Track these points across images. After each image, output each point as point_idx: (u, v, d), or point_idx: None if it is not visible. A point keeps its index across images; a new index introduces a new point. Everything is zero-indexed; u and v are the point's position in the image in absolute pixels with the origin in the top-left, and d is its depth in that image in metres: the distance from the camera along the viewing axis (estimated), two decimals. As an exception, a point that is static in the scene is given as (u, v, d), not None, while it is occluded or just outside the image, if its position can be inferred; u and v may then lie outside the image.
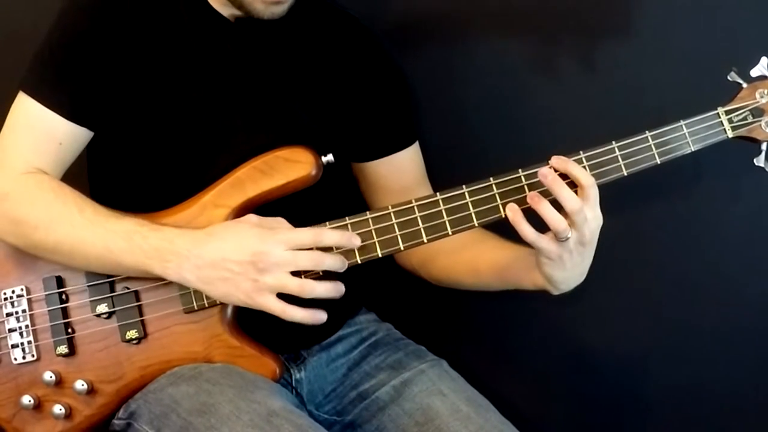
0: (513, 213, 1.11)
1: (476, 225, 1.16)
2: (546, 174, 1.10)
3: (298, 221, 1.18)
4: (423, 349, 1.39)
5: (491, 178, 1.16)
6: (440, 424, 1.23)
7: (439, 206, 1.16)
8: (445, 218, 1.16)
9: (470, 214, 1.15)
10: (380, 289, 1.47)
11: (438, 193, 1.17)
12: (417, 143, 1.42)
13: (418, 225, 1.16)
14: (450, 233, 1.16)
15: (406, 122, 1.42)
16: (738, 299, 1.47)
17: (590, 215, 1.11)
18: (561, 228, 1.10)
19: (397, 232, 1.16)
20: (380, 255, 1.17)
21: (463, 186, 1.16)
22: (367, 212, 1.18)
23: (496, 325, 1.56)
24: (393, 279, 1.45)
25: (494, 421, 1.25)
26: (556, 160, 1.12)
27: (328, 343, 1.37)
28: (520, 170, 1.15)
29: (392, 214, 1.16)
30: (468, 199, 1.15)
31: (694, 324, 1.49)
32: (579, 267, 1.16)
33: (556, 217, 1.10)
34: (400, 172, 1.39)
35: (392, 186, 1.39)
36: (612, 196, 1.41)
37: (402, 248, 1.17)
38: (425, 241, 1.16)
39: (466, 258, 1.31)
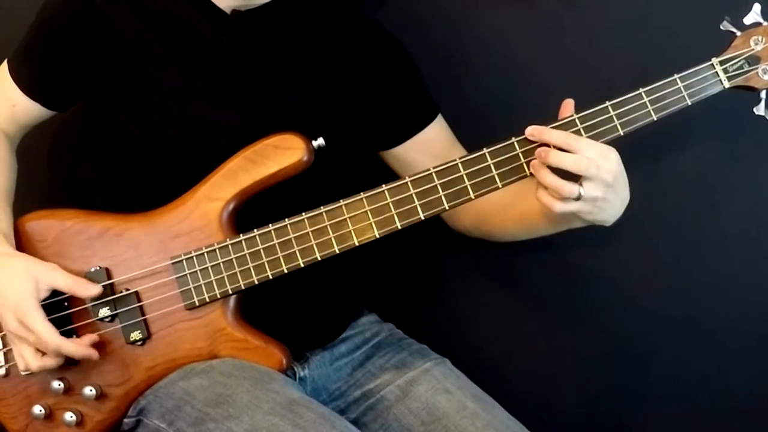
0: (541, 196, 1.11)
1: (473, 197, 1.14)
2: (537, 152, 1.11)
3: (294, 208, 1.17)
4: (426, 348, 1.38)
5: (484, 148, 1.14)
6: (447, 423, 1.23)
7: (434, 180, 1.15)
8: (441, 193, 1.15)
9: (466, 186, 1.14)
10: (380, 289, 1.47)
11: (424, 171, 1.15)
12: (440, 114, 1.39)
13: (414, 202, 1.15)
14: (446, 208, 1.15)
15: (423, 98, 1.39)
16: (738, 299, 1.45)
17: (594, 160, 1.08)
18: (566, 191, 1.09)
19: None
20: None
21: (456, 158, 1.15)
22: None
23: (494, 324, 1.54)
24: (392, 279, 1.44)
25: (501, 417, 1.25)
26: (531, 131, 1.12)
27: (331, 344, 1.36)
28: (513, 138, 1.13)
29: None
30: (462, 172, 1.14)
31: (695, 323, 1.47)
32: (619, 199, 1.14)
33: (557, 182, 1.09)
34: (430, 147, 1.36)
35: (426, 161, 1.31)
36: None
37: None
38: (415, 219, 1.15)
39: (514, 212, 1.29)
